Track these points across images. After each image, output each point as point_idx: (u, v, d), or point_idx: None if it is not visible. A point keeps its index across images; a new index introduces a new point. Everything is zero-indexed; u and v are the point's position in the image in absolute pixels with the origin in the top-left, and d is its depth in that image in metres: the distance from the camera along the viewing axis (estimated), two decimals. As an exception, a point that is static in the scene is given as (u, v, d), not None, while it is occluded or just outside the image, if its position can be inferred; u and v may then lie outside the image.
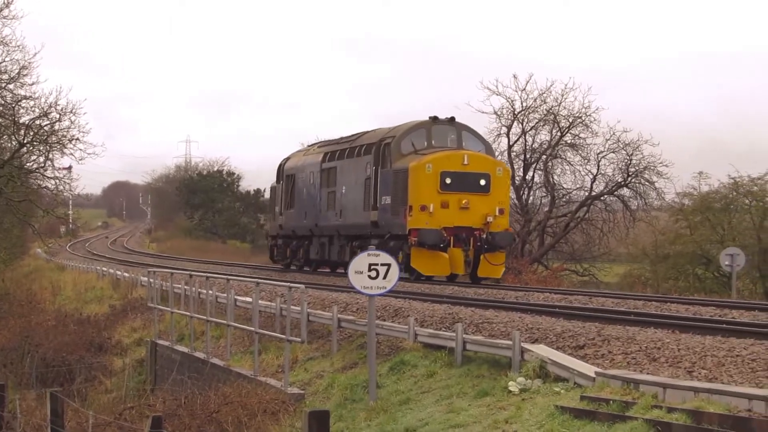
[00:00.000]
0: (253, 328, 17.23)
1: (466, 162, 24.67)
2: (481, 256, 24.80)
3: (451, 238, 24.08)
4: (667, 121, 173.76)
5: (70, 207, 78.63)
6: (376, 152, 26.64)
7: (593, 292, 24.26)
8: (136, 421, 14.16)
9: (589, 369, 11.45)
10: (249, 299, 20.36)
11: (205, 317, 20.09)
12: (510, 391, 11.62)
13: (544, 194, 53.35)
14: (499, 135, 49.32)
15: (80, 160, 40.27)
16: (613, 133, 48.79)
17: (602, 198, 51.47)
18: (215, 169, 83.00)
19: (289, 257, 35.12)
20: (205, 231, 75.77)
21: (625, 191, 50.90)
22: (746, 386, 9.53)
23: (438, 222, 23.91)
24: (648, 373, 10.97)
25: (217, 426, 13.92)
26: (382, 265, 13.21)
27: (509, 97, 49.36)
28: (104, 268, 48.18)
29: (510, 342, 12.71)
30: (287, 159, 36.25)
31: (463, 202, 24.32)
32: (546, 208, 53.23)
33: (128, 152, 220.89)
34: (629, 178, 49.72)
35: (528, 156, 51.03)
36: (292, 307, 16.76)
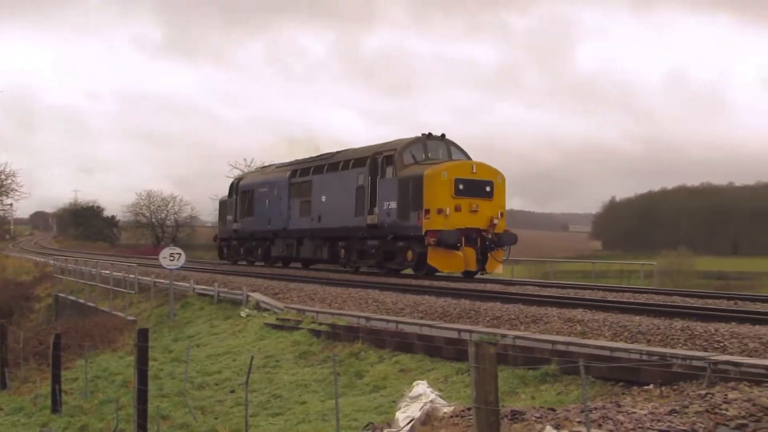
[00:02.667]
0: (109, 286, 30.57)
1: (474, 170, 26.80)
2: (489, 254, 26.71)
3: (463, 238, 25.60)
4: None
5: (12, 224, 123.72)
6: (372, 164, 28.74)
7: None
8: (48, 336, 20.01)
9: (280, 304, 20.36)
10: (107, 271, 33.05)
11: (83, 281, 35.72)
12: (241, 316, 20.39)
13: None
14: None
15: (17, 200, 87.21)
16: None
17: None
18: (90, 205, 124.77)
19: (242, 255, 40.89)
20: (85, 238, 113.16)
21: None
22: (356, 311, 17.78)
23: (453, 224, 25.43)
24: (309, 306, 19.54)
25: (91, 338, 22.24)
26: (177, 254, 23.23)
27: None
28: (30, 256, 74.17)
29: (241, 292, 22.26)
30: (240, 178, 43.36)
31: (474, 206, 26.09)
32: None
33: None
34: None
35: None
36: (139, 276, 30.43)
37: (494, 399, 5.25)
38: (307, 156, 38.77)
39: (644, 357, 9.96)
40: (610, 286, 24.59)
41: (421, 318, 15.69)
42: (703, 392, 8.15)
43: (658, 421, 7.32)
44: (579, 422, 7.37)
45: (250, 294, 22.04)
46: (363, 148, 31.53)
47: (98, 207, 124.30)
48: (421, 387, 9.07)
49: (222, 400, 13.49)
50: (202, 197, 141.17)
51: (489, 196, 26.59)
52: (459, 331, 13.42)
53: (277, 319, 18.94)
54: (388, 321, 15.69)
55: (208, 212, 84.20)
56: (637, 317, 13.03)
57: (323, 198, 32.03)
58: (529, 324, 13.49)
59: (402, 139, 28.98)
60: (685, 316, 13.06)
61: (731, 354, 9.79)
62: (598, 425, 7.28)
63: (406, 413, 8.60)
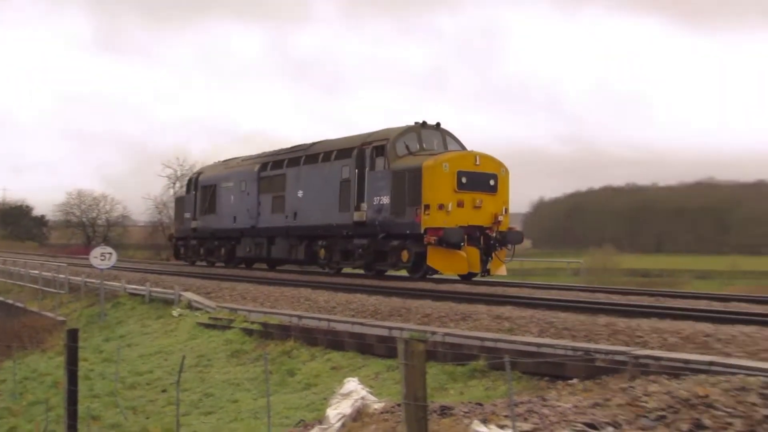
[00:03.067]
0: (38, 286, 30.90)
1: (477, 162, 23.40)
2: (493, 254, 23.55)
3: (466, 236, 22.47)
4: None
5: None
6: (359, 156, 25.05)
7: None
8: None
9: (212, 303, 20.27)
10: (36, 271, 32.81)
11: (11, 281, 36.23)
12: (173, 316, 20.20)
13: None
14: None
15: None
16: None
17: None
18: (18, 204, 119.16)
19: (202, 255, 35.73)
20: (13, 237, 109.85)
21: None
22: (289, 309, 17.78)
23: (455, 221, 22.19)
24: (241, 305, 19.45)
25: (19, 339, 22.22)
26: (108, 253, 23.07)
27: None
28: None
29: (173, 291, 22.09)
30: (200, 173, 37.16)
31: (477, 201, 22.90)
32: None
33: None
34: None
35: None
36: (69, 276, 30.23)
37: (423, 395, 5.28)
38: (258, 152, 34.28)
39: (569, 352, 10.16)
40: (537, 283, 24.71)
41: (353, 316, 15.76)
42: (624, 385, 8.35)
43: (582, 414, 7.48)
44: (505, 416, 7.48)
45: (182, 293, 21.80)
46: (347, 138, 27.50)
47: (27, 206, 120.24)
48: (351, 384, 9.11)
49: (153, 399, 13.39)
50: (135, 196, 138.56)
51: (493, 190, 23.34)
52: (390, 328, 13.50)
53: (210, 318, 18.79)
54: (320, 319, 15.72)
55: (140, 211, 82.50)
56: (563, 314, 13.24)
57: (300, 193, 27.94)
58: (458, 321, 13.62)
59: (393, 128, 25.28)
60: (609, 312, 13.31)
61: (652, 348, 10.03)
62: (524, 419, 7.40)
63: (337, 410, 8.63)
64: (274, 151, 32.10)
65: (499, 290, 19.25)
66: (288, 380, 12.74)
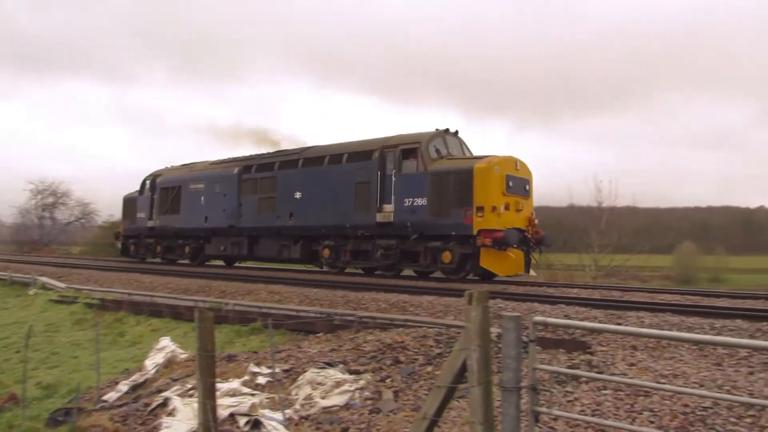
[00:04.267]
0: None
1: (518, 167, 17.75)
2: (531, 255, 17.80)
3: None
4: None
5: None
6: (381, 158, 18.11)
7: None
8: None
9: (62, 284, 18.10)
10: None
11: None
12: (29, 294, 17.85)
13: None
14: None
15: None
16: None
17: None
18: None
19: (159, 253, 26.21)
20: None
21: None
22: (121, 288, 15.88)
23: (504, 223, 16.57)
24: (86, 285, 17.53)
25: None
26: None
27: None
28: None
29: (30, 275, 19.89)
30: (158, 175, 27.04)
31: (520, 204, 17.44)
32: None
33: None
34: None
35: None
36: None
37: (212, 348, 5.07)
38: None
39: (318, 315, 10.20)
40: (299, 269, 22.68)
41: (170, 293, 14.88)
42: (352, 336, 8.52)
43: (324, 356, 7.54)
44: (274, 360, 7.40)
45: (38, 277, 19.40)
46: (357, 142, 19.96)
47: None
48: (164, 341, 8.63)
49: (8, 358, 11.80)
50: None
51: (527, 194, 17.92)
52: (195, 300, 12.89)
53: (59, 295, 16.79)
54: (145, 295, 14.68)
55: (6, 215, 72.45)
56: (315, 289, 13.32)
57: (297, 194, 20.44)
58: (244, 295, 13.26)
59: (421, 133, 18.39)
60: (345, 288, 13.58)
61: (370, 311, 10.32)
62: (284, 361, 7.35)
63: (153, 360, 8.12)
64: (257, 155, 23.60)
65: (273, 273, 18.96)
66: (119, 340, 11.77)
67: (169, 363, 8.22)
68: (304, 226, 19.79)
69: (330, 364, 6.95)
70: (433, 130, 18.05)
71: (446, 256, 16.41)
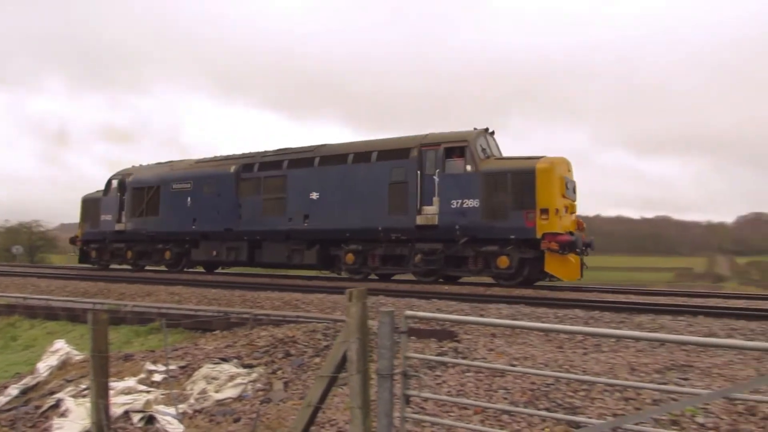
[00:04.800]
0: None
1: (570, 169, 15.24)
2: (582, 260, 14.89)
3: None
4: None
5: None
6: (421, 157, 15.15)
7: None
8: None
9: None
10: None
11: None
12: None
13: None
14: None
15: None
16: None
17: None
18: None
19: (131, 258, 21.24)
20: None
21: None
22: (16, 293, 13.97)
23: (563, 226, 14.00)
24: None
25: None
26: None
27: None
28: None
29: None
30: (128, 174, 21.99)
31: (573, 207, 15.03)
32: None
33: None
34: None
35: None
36: None
37: (105, 348, 4.73)
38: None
39: (215, 314, 9.83)
40: (201, 271, 21.07)
41: (68, 296, 13.70)
42: (247, 333, 8.28)
43: (219, 352, 7.26)
44: (170, 358, 7.03)
45: None
46: (389, 139, 16.72)
47: None
48: (59, 344, 7.92)
49: None
50: None
51: (574, 197, 15.28)
52: (94, 303, 11.96)
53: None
54: (40, 299, 13.40)
55: None
56: (214, 290, 12.82)
57: (314, 195, 16.97)
58: (144, 297, 12.50)
59: (466, 131, 15.41)
60: (242, 288, 13.19)
61: (266, 309, 10.09)
62: (181, 358, 7.01)
63: (46, 363, 7.43)
64: (259, 152, 19.36)
65: (173, 276, 18.03)
66: (11, 344, 10.67)
67: (64, 365, 7.57)
68: (322, 230, 16.50)
69: (225, 360, 6.71)
70: (471, 129, 15.24)
71: (503, 261, 13.85)
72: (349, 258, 15.91)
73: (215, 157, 20.33)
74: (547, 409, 4.85)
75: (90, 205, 23.09)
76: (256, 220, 17.89)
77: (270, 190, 17.91)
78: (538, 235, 13.41)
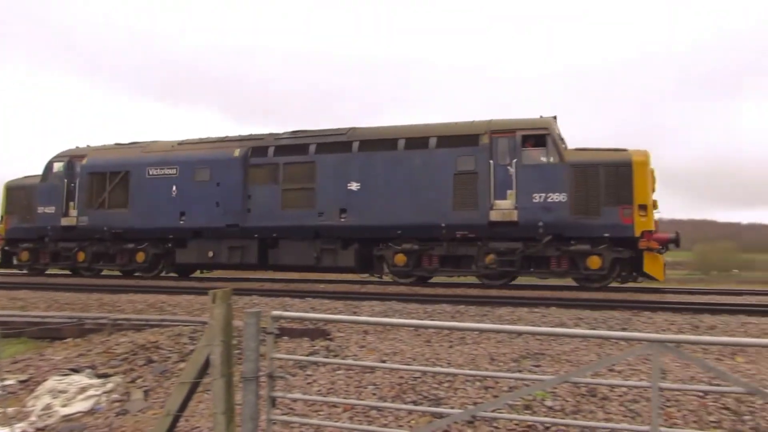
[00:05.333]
0: None
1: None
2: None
3: None
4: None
5: None
6: (496, 144, 13.33)
7: None
8: None
9: None
10: None
11: None
12: None
13: None
14: None
15: None
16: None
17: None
18: None
19: (86, 261, 16.95)
20: None
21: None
22: None
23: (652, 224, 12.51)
24: None
25: None
26: None
27: None
28: None
29: None
30: (78, 156, 17.48)
31: (656, 203, 12.93)
32: None
33: None
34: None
35: None
36: None
37: None
38: None
39: (67, 320, 8.96)
40: (68, 274, 18.16)
41: None
42: (104, 339, 7.65)
43: (69, 362, 6.63)
44: (7, 371, 6.28)
45: None
46: (445, 124, 14.49)
47: None
48: None
49: None
50: None
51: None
52: None
53: None
54: None
55: None
56: (66, 293, 11.68)
57: (352, 185, 14.41)
58: (-20, 303, 11.09)
59: (539, 119, 13.65)
60: (101, 291, 12.17)
61: (126, 313, 9.41)
62: (21, 372, 6.29)
63: None
64: (273, 134, 16.23)
65: (23, 280, 16.19)
66: None
67: None
68: (365, 226, 14.16)
69: (76, 370, 6.13)
70: (539, 116, 13.69)
71: (594, 262, 12.50)
72: (400, 259, 13.80)
73: (207, 138, 16.78)
74: (414, 402, 5.01)
75: (18, 194, 17.94)
76: (273, 214, 14.92)
77: (292, 178, 14.95)
78: (637, 233, 12.21)
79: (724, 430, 4.29)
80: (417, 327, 7.17)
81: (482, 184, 13.28)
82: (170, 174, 16.27)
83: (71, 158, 17.66)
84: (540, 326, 7.96)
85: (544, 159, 13.02)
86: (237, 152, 15.66)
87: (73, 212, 17.17)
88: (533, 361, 6.00)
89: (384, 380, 5.51)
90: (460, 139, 13.74)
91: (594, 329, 7.71)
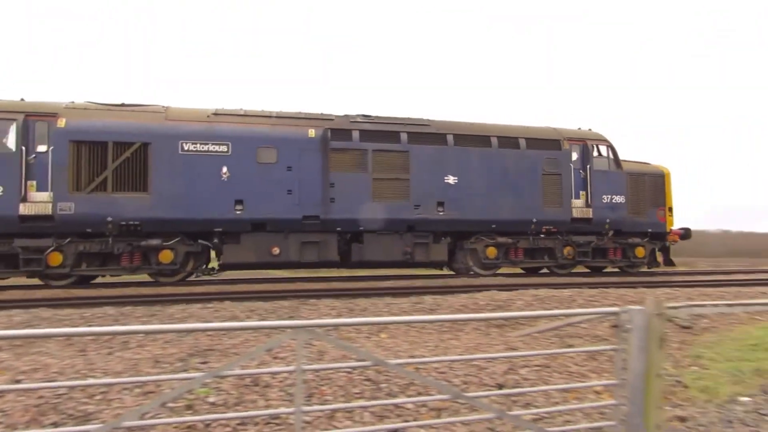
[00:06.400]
0: None
1: None
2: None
3: None
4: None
5: None
6: (571, 150, 15.29)
7: None
8: None
9: None
10: None
11: None
12: None
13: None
14: None
15: None
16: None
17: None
18: None
19: (67, 265, 11.18)
20: None
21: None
22: None
23: None
24: None
25: None
26: None
27: None
28: None
29: None
30: (52, 114, 10.64)
31: None
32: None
33: None
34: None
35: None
36: None
37: None
38: None
39: None
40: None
41: None
42: None
43: None
44: None
45: None
46: (527, 128, 15.48)
47: None
48: None
49: None
50: None
51: None
52: None
53: None
54: None
55: None
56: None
57: (449, 179, 13.86)
58: None
59: (593, 131, 16.14)
60: None
61: None
62: None
63: None
64: (352, 115, 13.91)
65: None
66: None
67: None
68: (464, 220, 14.39)
69: None
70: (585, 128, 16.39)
71: (640, 251, 16.02)
72: (491, 252, 14.62)
73: (261, 111, 13.83)
74: (55, 424, 4.34)
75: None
76: (362, 205, 13.64)
77: (384, 167, 13.98)
78: (668, 230, 16.19)
79: (365, 398, 4.87)
80: (68, 335, 6.30)
81: (566, 184, 15.26)
82: (219, 151, 12.95)
83: (48, 116, 12.16)
84: (212, 322, 7.86)
85: (605, 166, 15.74)
86: (312, 133, 13.64)
87: (40, 195, 11.83)
88: (201, 358, 5.86)
89: (17, 403, 4.63)
90: (545, 142, 15.30)
91: (264, 320, 7.99)
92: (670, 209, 16.29)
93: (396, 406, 4.47)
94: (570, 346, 6.63)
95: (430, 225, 14.24)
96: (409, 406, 4.54)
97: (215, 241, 13.00)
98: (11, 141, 11.88)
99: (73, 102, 12.90)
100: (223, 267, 13.28)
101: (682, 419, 4.31)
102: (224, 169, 13.12)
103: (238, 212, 12.95)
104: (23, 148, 11.89)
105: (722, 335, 7.32)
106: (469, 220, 14.49)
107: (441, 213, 14.31)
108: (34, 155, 11.99)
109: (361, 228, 13.81)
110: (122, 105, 13.23)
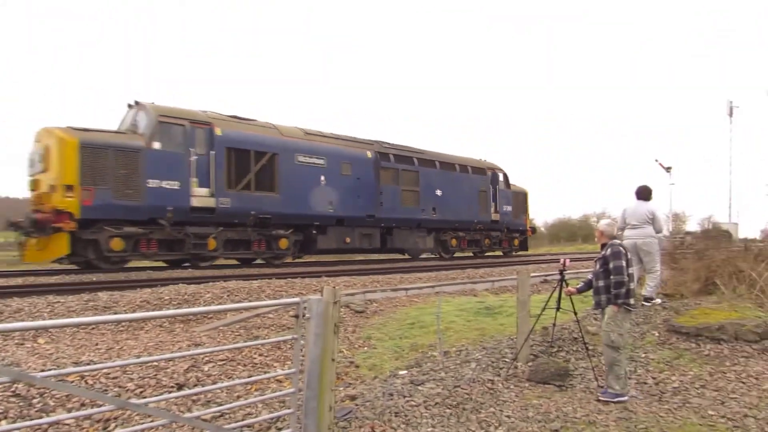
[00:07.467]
0: None
1: None
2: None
3: None
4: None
5: None
6: (493, 176, 23.71)
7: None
8: None
9: None
10: None
11: None
12: None
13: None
14: None
15: None
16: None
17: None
18: None
19: (216, 249, 13.90)
20: None
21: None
22: None
23: None
24: None
25: None
26: None
27: None
28: None
29: None
30: (204, 122, 13.76)
31: None
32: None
33: None
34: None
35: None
36: None
37: None
38: None
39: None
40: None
41: None
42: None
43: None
44: None
45: None
46: (466, 158, 22.93)
47: None
48: None
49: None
50: None
51: None
52: None
53: None
54: None
55: None
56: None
57: (438, 192, 20.58)
58: None
59: (491, 162, 24.47)
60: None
61: None
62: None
63: None
64: (383, 141, 19.67)
65: None
66: None
67: None
68: (446, 220, 20.82)
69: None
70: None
71: (516, 242, 25.02)
72: (454, 242, 21.29)
73: (336, 134, 18.16)
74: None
75: (106, 156, 12.48)
76: (396, 208, 19.06)
77: (407, 182, 19.49)
78: (528, 228, 25.58)
79: (11, 418, 4.05)
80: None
81: (488, 198, 22.55)
82: (319, 164, 16.79)
83: (192, 122, 14.09)
84: None
85: (504, 187, 23.57)
86: (369, 154, 18.51)
87: (202, 191, 14.00)
88: None
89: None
90: (480, 170, 22.65)
91: None
92: (528, 215, 25.08)
93: (51, 425, 3.81)
94: (256, 337, 6.67)
95: (428, 223, 20.17)
96: (69, 421, 3.93)
97: (314, 232, 16.63)
98: (182, 142, 13.72)
99: (206, 111, 14.80)
100: (318, 252, 17.01)
101: (353, 397, 4.68)
102: (322, 178, 16.84)
103: (330, 211, 16.97)
104: (189, 149, 13.85)
105: (388, 317, 8.34)
106: (448, 220, 20.81)
107: (434, 215, 20.32)
108: (195, 156, 13.88)
109: (393, 225, 19.02)
110: (236, 117, 15.43)
